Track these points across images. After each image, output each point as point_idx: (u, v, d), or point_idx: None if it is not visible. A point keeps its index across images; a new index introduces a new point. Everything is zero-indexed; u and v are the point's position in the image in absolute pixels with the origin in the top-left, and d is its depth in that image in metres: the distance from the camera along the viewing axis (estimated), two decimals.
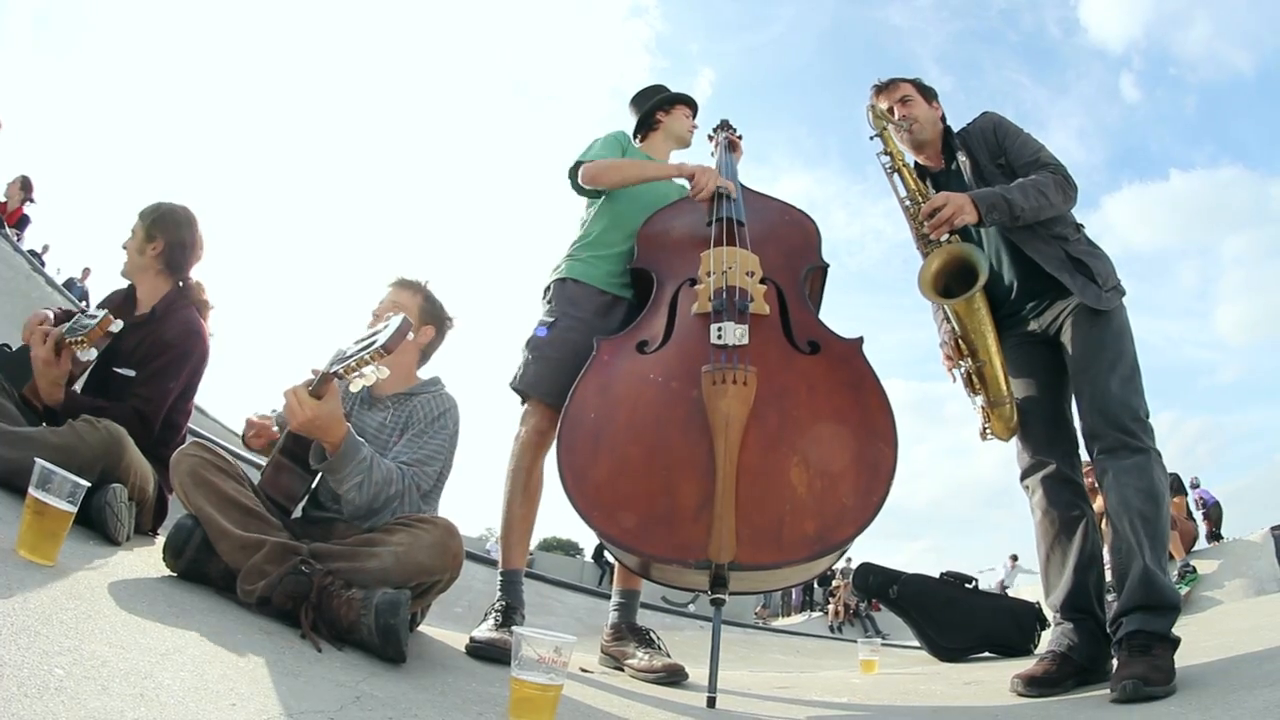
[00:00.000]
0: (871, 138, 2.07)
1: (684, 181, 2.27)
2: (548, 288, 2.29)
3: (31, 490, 1.23)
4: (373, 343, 1.42)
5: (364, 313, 2.03)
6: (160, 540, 1.86)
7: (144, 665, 0.93)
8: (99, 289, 9.51)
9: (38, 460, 1.26)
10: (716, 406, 1.62)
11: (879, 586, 3.53)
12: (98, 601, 1.10)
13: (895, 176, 2.04)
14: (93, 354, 1.86)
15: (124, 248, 2.13)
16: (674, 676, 1.88)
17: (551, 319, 2.18)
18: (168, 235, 2.10)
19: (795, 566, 1.59)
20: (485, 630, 1.82)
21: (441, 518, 1.61)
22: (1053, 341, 1.93)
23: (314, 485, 1.83)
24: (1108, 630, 1.74)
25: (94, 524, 1.67)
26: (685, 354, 1.83)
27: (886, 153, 2.05)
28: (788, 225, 2.23)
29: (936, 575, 3.63)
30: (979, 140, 2.04)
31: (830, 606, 11.97)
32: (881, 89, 2.16)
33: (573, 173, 2.32)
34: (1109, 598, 1.86)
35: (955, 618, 3.35)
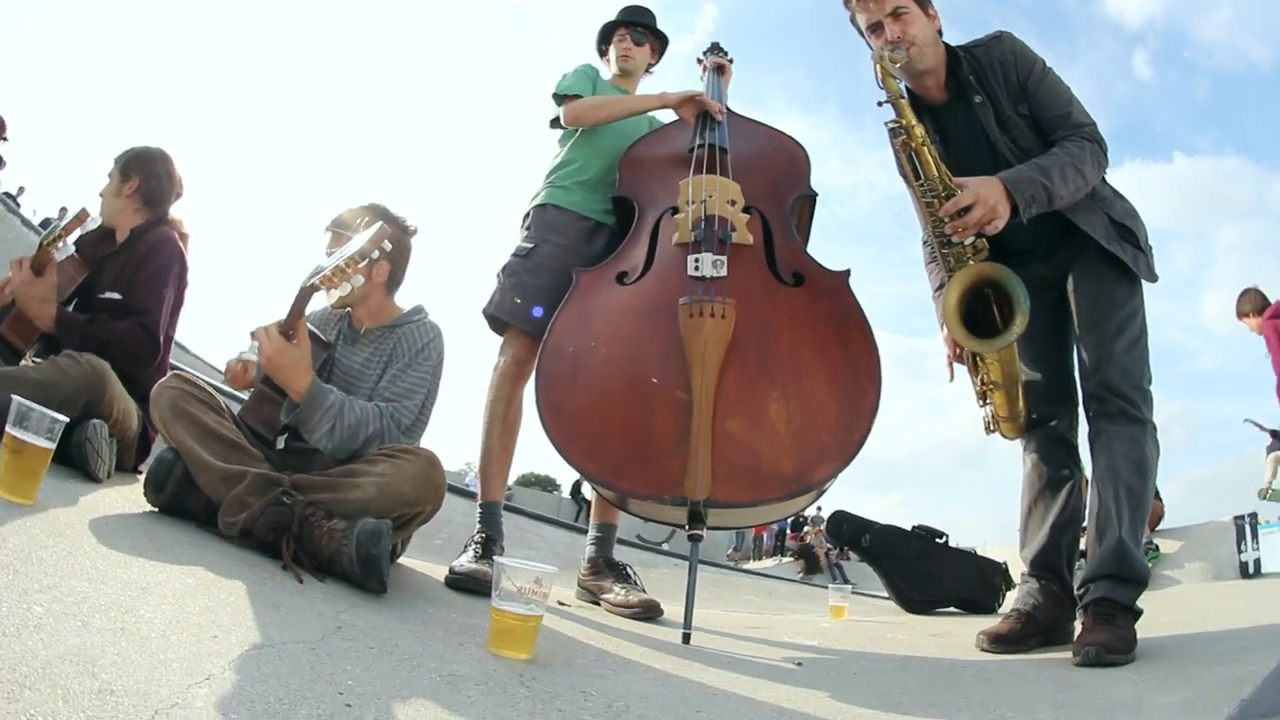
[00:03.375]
0: (881, 104, 1.64)
1: (664, 114, 2.21)
2: (527, 214, 2.21)
3: (9, 428, 1.21)
4: (345, 251, 1.41)
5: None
6: (143, 477, 1.87)
7: (124, 600, 0.93)
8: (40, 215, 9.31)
9: (14, 397, 1.24)
10: (693, 340, 1.57)
11: (852, 534, 3.59)
12: (78, 539, 1.10)
13: (908, 156, 1.65)
14: (70, 249, 1.88)
15: (100, 195, 2.14)
16: (649, 612, 1.88)
17: (530, 244, 2.09)
18: (142, 172, 2.13)
19: (773, 504, 1.58)
20: (465, 562, 1.81)
21: (424, 449, 1.61)
22: (1060, 286, 1.81)
23: None
24: (1074, 594, 1.77)
25: (74, 461, 1.65)
26: (664, 285, 1.77)
27: (900, 126, 1.62)
28: (775, 151, 2.13)
29: (908, 528, 3.70)
30: (996, 75, 1.72)
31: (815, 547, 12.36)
32: None
33: (555, 118, 2.25)
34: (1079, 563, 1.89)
35: (925, 571, 3.41)
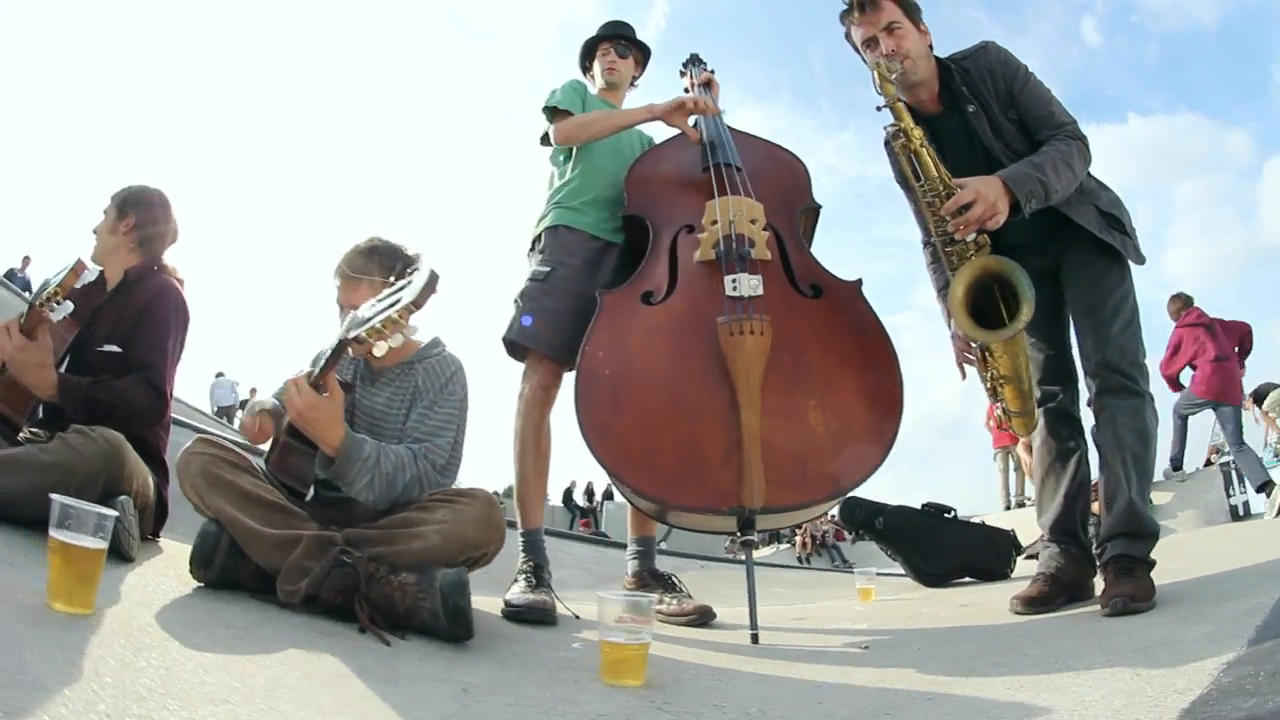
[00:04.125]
0: (880, 108, 1.81)
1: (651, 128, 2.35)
2: (537, 237, 2.29)
3: (53, 531, 1.11)
4: (397, 300, 1.35)
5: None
6: (164, 543, 1.87)
7: (256, 709, 0.91)
8: (42, 279, 9.21)
9: (54, 497, 1.14)
10: (736, 357, 1.71)
11: (866, 518, 3.79)
12: (164, 651, 1.03)
13: (908, 158, 1.81)
14: (69, 307, 1.72)
15: (94, 232, 2.10)
16: (704, 618, 2.00)
17: (547, 268, 2.18)
18: (140, 212, 2.09)
19: (820, 505, 1.75)
20: (519, 593, 1.86)
21: (481, 490, 1.64)
22: (1054, 274, 2.00)
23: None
24: (1092, 553, 1.98)
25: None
26: (693, 304, 1.91)
27: (900, 129, 1.78)
28: (777, 165, 2.27)
29: (918, 506, 3.92)
30: (986, 83, 1.89)
31: (798, 539, 12.67)
32: (857, 12, 1.91)
33: (545, 134, 2.34)
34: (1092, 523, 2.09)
35: (938, 545, 3.64)
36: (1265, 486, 4.80)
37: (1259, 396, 6.79)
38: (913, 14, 1.90)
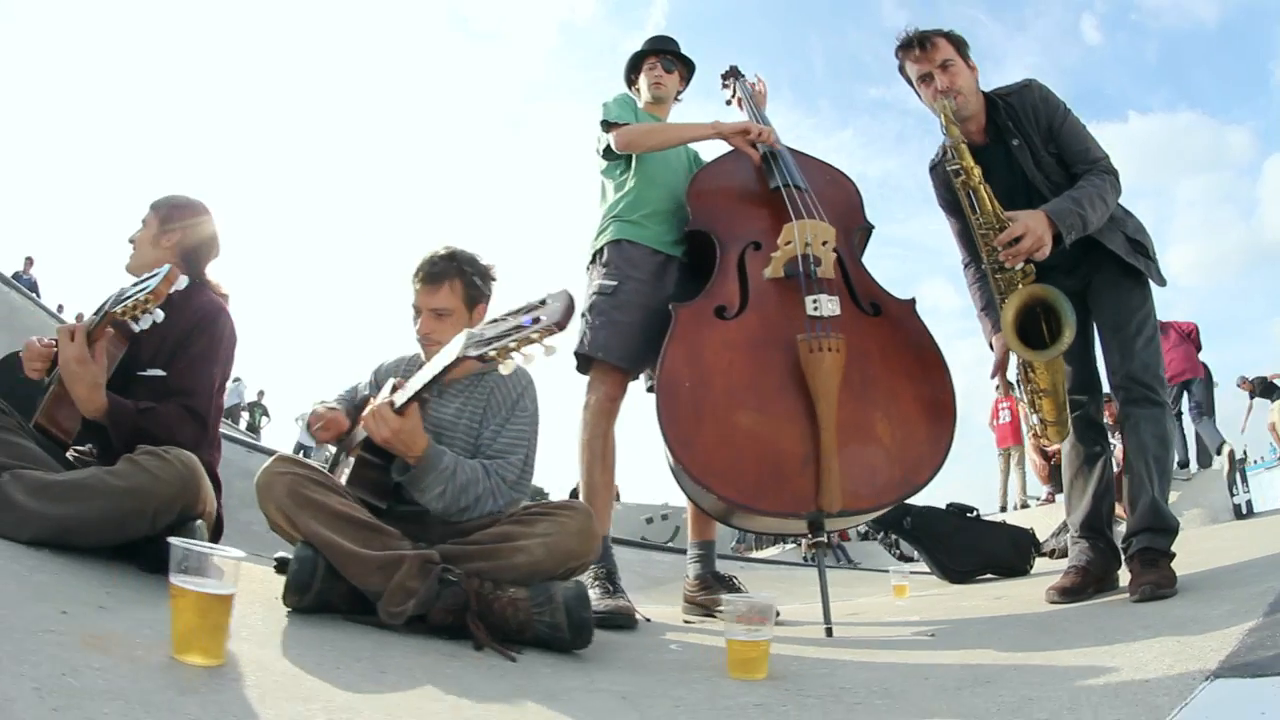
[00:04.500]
0: (948, 151, 2.12)
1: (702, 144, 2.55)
2: (600, 250, 2.50)
3: (176, 579, 1.05)
4: (534, 320, 1.37)
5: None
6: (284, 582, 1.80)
7: None
8: (49, 280, 9.45)
9: (172, 541, 1.08)
10: (815, 372, 1.98)
11: (894, 518, 4.10)
12: (329, 699, 1.03)
13: (967, 194, 2.07)
14: (159, 316, 1.65)
15: (131, 241, 2.06)
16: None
17: (614, 281, 2.38)
18: (185, 225, 2.04)
19: (887, 507, 2.03)
20: (597, 599, 1.99)
21: (579, 503, 1.78)
22: (1081, 294, 2.25)
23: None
24: (1118, 547, 2.27)
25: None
26: (766, 320, 2.16)
27: (961, 168, 2.06)
28: (833, 186, 2.53)
29: (943, 507, 4.23)
30: (1029, 119, 2.13)
31: (803, 540, 13.04)
32: (915, 49, 2.15)
33: (607, 150, 2.54)
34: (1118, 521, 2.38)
35: (962, 543, 3.96)
36: (1220, 447, 5.77)
37: (1266, 388, 7.43)
38: (964, 51, 2.18)
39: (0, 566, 1.31)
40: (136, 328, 1.64)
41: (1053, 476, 6.72)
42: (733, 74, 3.10)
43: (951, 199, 2.25)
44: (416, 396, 1.58)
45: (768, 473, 1.99)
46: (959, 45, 2.18)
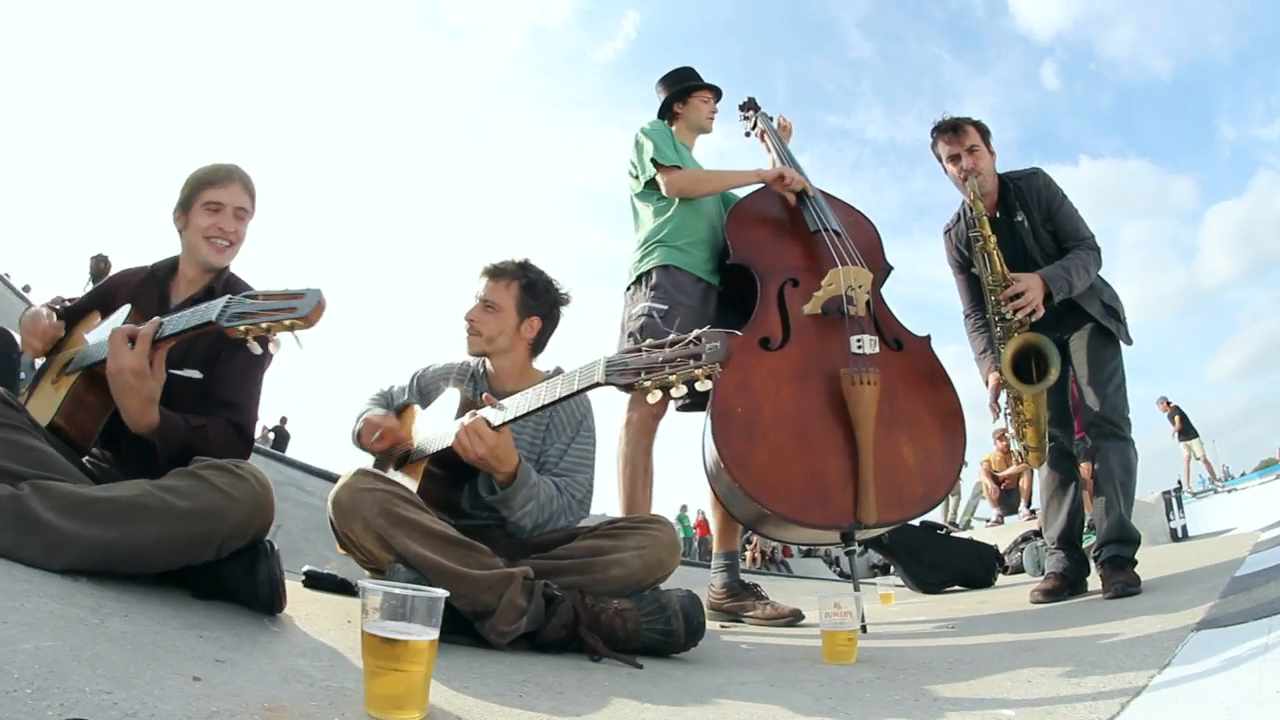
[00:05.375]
0: (964, 218, 2.83)
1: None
2: (647, 273, 2.92)
3: (371, 627, 0.99)
4: (697, 357, 1.48)
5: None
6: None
7: None
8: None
9: (363, 583, 1.03)
10: (857, 403, 2.50)
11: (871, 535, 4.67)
12: None
13: (984, 256, 2.72)
14: (296, 343, 1.51)
15: (185, 229, 1.97)
16: (797, 619, 2.78)
17: (665, 305, 2.82)
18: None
19: (910, 519, 2.55)
20: None
21: (664, 517, 2.03)
22: (1063, 346, 2.91)
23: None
24: (1089, 558, 2.87)
25: (252, 599, 1.53)
26: (808, 352, 2.66)
27: (981, 235, 2.73)
28: (858, 228, 3.08)
29: (917, 524, 4.83)
30: (1033, 199, 2.83)
31: (748, 553, 13.75)
32: (948, 133, 2.84)
33: (651, 179, 2.98)
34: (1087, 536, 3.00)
35: (935, 557, 4.58)
36: None
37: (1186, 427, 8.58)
38: (987, 138, 2.89)
39: (54, 611, 1.15)
40: (259, 350, 1.50)
41: (1002, 500, 7.55)
42: (751, 105, 3.63)
43: (962, 259, 2.96)
44: (523, 416, 1.70)
45: (814, 490, 2.50)
46: (984, 133, 2.86)
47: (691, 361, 1.49)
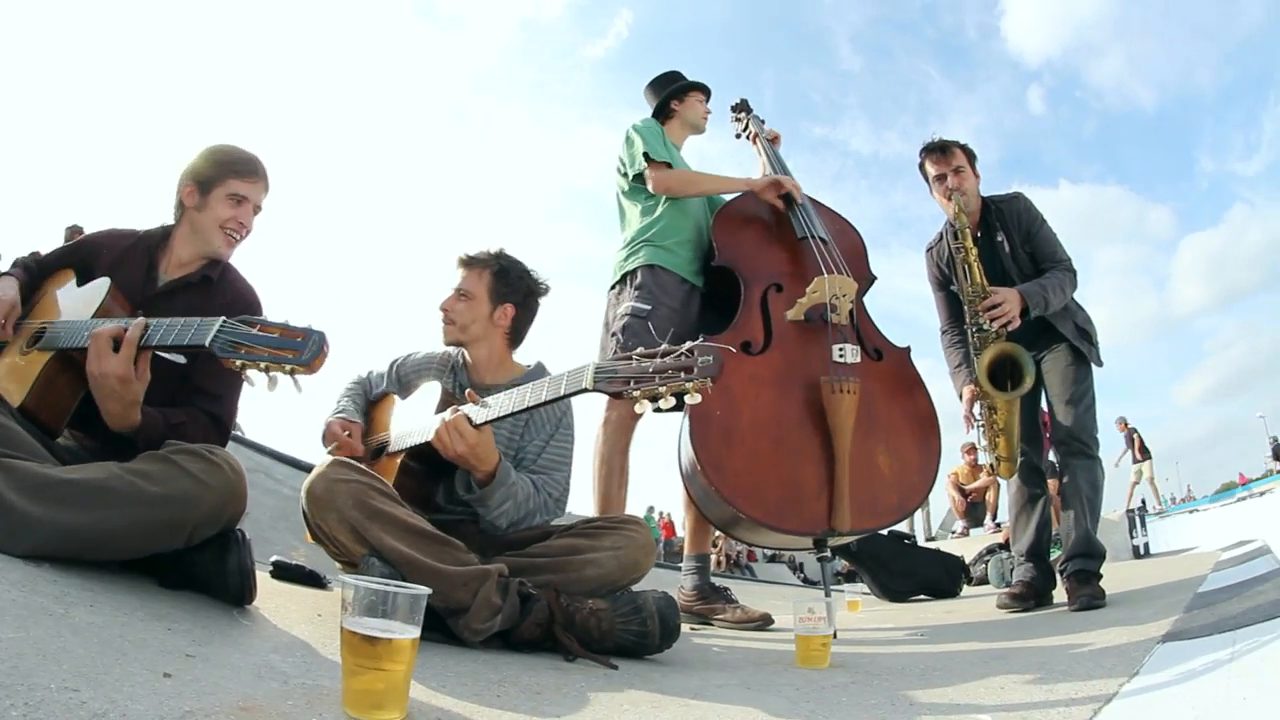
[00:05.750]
0: (949, 234, 2.92)
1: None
2: (632, 272, 2.93)
3: (351, 624, 0.96)
4: (689, 370, 1.47)
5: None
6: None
7: None
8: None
9: (346, 578, 1.00)
10: (836, 411, 2.53)
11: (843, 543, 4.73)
12: None
13: (964, 267, 2.83)
14: (295, 385, 1.44)
15: (190, 208, 1.92)
16: (766, 623, 2.81)
17: (649, 305, 2.83)
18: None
19: (884, 527, 2.58)
20: None
21: (640, 518, 2.04)
22: (1036, 364, 2.96)
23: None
24: (1055, 570, 2.94)
25: (212, 587, 1.50)
26: (789, 358, 2.68)
27: (962, 246, 2.85)
28: (844, 237, 3.10)
29: (885, 533, 4.90)
30: (1014, 221, 2.95)
31: (712, 557, 13.86)
32: (936, 153, 2.96)
33: (639, 176, 3.00)
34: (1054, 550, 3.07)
35: (902, 567, 4.64)
36: None
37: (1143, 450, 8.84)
38: (972, 161, 3.02)
39: (16, 600, 1.12)
40: (253, 385, 1.44)
41: (969, 513, 7.68)
42: (744, 107, 3.67)
43: (942, 276, 3.06)
44: (506, 417, 1.69)
45: (789, 496, 2.52)
46: (970, 156, 2.99)
47: (683, 374, 1.48)
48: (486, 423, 1.72)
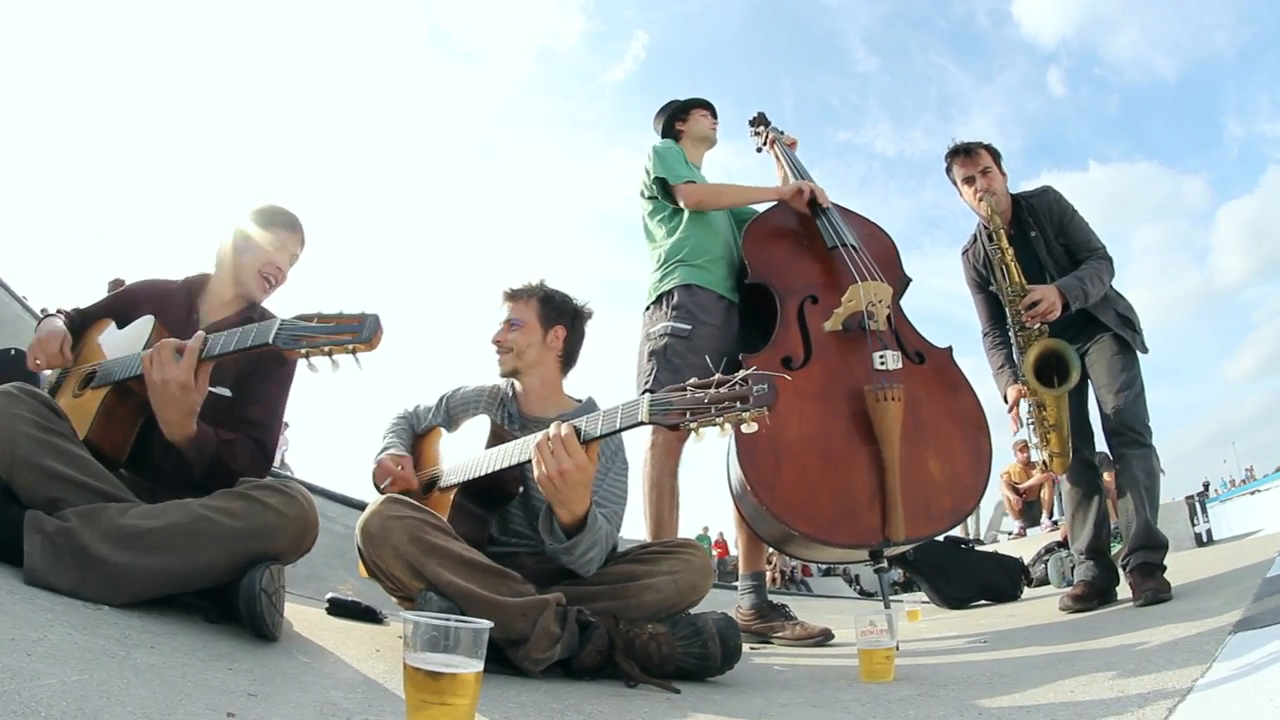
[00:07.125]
0: (982, 236, 3.00)
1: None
2: (668, 293, 2.98)
3: (414, 659, 0.97)
4: (745, 400, 1.47)
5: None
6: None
7: None
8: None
9: (406, 616, 1.01)
10: (882, 419, 2.56)
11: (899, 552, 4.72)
12: None
13: (1002, 268, 2.88)
14: (334, 365, 1.54)
15: (240, 250, 2.08)
16: (827, 639, 2.83)
17: (688, 325, 2.89)
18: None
19: (939, 534, 2.60)
20: None
21: (693, 540, 2.11)
22: (1081, 357, 2.98)
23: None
24: (1118, 565, 2.92)
25: (245, 618, 1.51)
26: (830, 370, 2.72)
27: (999, 248, 2.91)
28: (876, 242, 3.15)
29: (941, 539, 4.88)
30: (1045, 215, 3.01)
31: (767, 573, 13.79)
32: (961, 156, 3.04)
33: (664, 192, 3.07)
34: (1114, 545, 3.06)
35: (960, 573, 4.62)
36: None
37: None
38: (999, 161, 3.09)
39: (78, 642, 1.14)
40: (317, 370, 1.53)
41: (1024, 512, 7.58)
42: (761, 120, 3.75)
43: (979, 278, 3.11)
44: (600, 437, 1.63)
45: (841, 509, 2.55)
46: (996, 156, 3.06)
47: (739, 404, 1.47)
48: (594, 439, 1.63)
